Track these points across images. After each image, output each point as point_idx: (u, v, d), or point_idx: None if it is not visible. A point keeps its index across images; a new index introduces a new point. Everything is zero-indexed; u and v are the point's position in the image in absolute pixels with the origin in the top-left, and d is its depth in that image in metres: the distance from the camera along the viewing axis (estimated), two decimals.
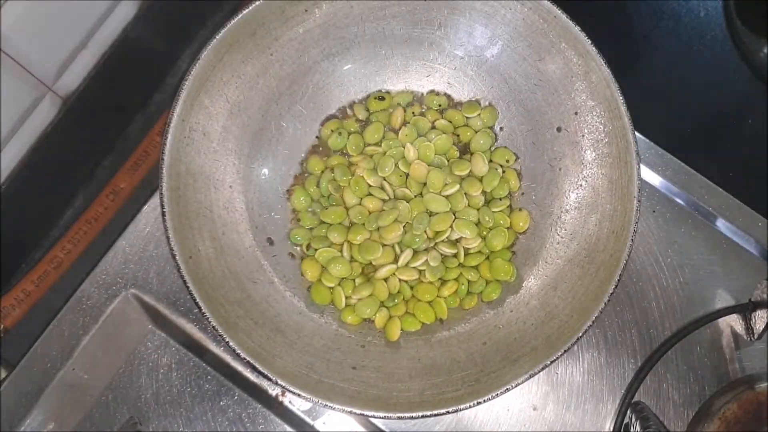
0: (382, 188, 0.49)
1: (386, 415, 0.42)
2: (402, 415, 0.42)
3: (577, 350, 0.51)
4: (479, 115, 0.51)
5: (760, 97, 0.58)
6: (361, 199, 0.49)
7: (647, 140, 0.54)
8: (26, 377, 0.49)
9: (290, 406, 0.49)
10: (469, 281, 0.48)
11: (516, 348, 0.45)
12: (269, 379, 0.41)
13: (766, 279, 0.50)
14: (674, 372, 0.51)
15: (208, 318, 0.42)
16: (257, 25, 0.46)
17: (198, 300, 0.42)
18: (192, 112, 0.45)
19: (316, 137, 0.51)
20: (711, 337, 0.52)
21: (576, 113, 0.48)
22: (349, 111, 0.51)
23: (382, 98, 0.51)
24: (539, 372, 0.42)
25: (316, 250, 0.48)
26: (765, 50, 0.59)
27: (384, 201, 0.49)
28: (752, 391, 0.47)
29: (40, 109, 0.47)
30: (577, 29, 0.45)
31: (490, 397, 0.42)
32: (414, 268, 0.48)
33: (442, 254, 0.48)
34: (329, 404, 0.42)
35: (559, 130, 0.49)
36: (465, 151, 0.51)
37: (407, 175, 0.49)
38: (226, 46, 0.45)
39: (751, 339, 0.51)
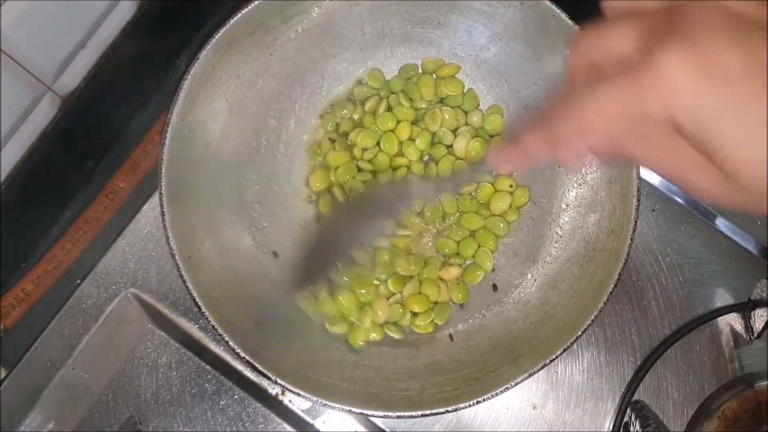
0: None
1: (386, 414, 0.42)
2: (402, 414, 0.42)
3: (577, 349, 0.51)
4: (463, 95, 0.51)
5: None
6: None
7: None
8: (26, 377, 0.49)
9: (290, 405, 0.49)
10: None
11: (515, 347, 0.45)
12: (269, 379, 0.41)
13: (765, 278, 0.50)
14: (674, 371, 0.51)
15: (207, 318, 0.42)
16: (256, 24, 0.46)
17: (197, 300, 0.42)
18: (191, 111, 0.45)
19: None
20: (710, 336, 0.52)
21: None
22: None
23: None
24: (539, 371, 0.42)
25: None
26: None
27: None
28: (751, 390, 0.47)
29: (39, 109, 0.47)
30: (576, 29, 0.45)
31: (489, 396, 0.42)
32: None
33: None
34: (329, 403, 0.42)
35: None
36: None
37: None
38: (225, 46, 0.45)
39: (750, 338, 0.51)
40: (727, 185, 0.25)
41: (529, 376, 0.42)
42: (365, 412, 0.42)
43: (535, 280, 0.48)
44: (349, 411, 0.42)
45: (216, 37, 0.44)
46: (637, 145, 0.26)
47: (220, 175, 0.47)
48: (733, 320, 0.52)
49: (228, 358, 0.50)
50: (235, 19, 0.45)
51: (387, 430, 0.49)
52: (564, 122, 0.27)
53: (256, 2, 0.45)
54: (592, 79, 0.27)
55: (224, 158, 0.47)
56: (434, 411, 0.42)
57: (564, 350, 0.42)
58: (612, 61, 0.26)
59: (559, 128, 0.28)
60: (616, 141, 0.26)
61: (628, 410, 0.49)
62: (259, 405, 0.50)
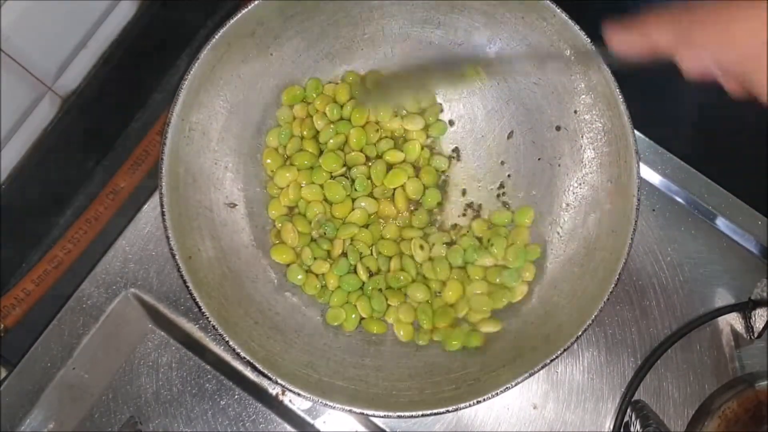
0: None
1: (386, 414, 0.42)
2: (402, 413, 0.42)
3: (577, 349, 0.51)
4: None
5: None
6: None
7: (647, 138, 0.54)
8: (26, 377, 0.49)
9: (290, 405, 0.49)
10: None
11: (515, 346, 0.45)
12: (269, 379, 0.41)
13: (765, 277, 0.50)
14: (674, 370, 0.51)
15: (208, 318, 0.42)
16: (256, 24, 0.46)
17: (198, 300, 0.42)
18: (191, 111, 0.45)
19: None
20: (711, 336, 0.52)
21: (575, 112, 0.48)
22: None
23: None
24: (539, 371, 0.42)
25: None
26: None
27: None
28: (752, 390, 0.47)
29: (39, 109, 0.47)
30: (576, 28, 0.45)
31: (490, 395, 0.42)
32: None
33: None
34: (329, 403, 0.42)
35: (558, 128, 0.49)
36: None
37: None
38: (225, 46, 0.45)
39: (750, 337, 0.51)
40: None
41: (530, 375, 0.42)
42: (366, 412, 0.42)
43: (536, 279, 0.48)
44: (350, 411, 0.42)
45: (216, 37, 0.44)
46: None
47: (221, 174, 0.47)
48: (734, 320, 0.52)
49: (228, 358, 0.50)
50: (235, 19, 0.45)
51: (387, 429, 0.49)
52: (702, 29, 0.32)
53: (256, 2, 0.44)
54: None
55: (225, 158, 0.47)
56: (435, 411, 0.42)
57: (564, 350, 0.42)
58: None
59: (696, 32, 0.32)
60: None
61: (629, 410, 0.49)
62: (260, 405, 0.50)
